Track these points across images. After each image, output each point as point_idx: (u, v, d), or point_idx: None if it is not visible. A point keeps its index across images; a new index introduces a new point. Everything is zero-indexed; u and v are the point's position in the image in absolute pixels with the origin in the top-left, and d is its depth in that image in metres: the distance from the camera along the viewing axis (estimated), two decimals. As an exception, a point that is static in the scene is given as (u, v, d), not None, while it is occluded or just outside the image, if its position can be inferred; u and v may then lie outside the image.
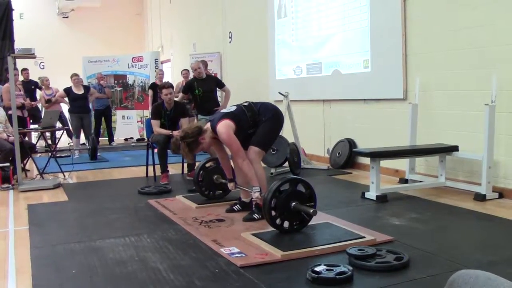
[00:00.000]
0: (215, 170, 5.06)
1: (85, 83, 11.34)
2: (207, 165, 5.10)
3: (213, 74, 9.55)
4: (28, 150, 6.83)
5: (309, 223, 3.89)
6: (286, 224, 3.77)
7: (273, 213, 3.72)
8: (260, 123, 4.33)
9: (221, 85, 7.51)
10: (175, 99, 6.78)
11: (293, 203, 3.72)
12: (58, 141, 9.08)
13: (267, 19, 9.01)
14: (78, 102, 9.24)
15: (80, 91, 9.30)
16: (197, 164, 5.43)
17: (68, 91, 9.32)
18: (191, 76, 9.63)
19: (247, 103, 4.44)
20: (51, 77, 10.87)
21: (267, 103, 4.60)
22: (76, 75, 9.60)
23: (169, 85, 6.57)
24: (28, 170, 7.42)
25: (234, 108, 4.41)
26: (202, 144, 4.25)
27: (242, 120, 4.30)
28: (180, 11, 14.07)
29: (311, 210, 3.67)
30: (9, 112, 6.89)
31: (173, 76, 14.02)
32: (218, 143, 4.46)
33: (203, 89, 7.03)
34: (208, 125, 4.35)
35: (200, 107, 7.25)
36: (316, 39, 7.74)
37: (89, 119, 9.62)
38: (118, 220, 4.53)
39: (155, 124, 6.45)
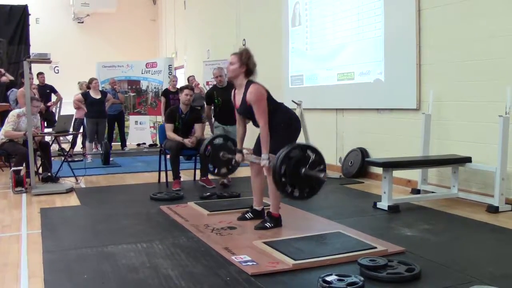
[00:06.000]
0: (223, 146, 4.88)
1: (99, 88, 11.42)
2: (215, 141, 4.92)
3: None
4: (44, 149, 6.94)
5: (320, 233, 3.87)
6: (296, 192, 3.73)
7: (283, 180, 3.66)
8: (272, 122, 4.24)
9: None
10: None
11: (303, 169, 3.67)
12: (76, 145, 9.11)
13: (282, 27, 9.04)
14: (95, 106, 9.26)
15: (97, 96, 9.35)
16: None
17: (85, 95, 9.38)
18: (201, 81, 9.54)
19: None
20: (65, 81, 10.96)
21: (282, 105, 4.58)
22: (95, 79, 9.67)
23: (191, 87, 6.80)
24: (41, 174, 7.47)
25: None
26: (238, 69, 4.35)
27: (270, 98, 4.37)
28: (194, 17, 14.15)
29: (322, 175, 3.61)
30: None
31: (186, 82, 14.07)
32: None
33: (222, 98, 6.70)
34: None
35: (219, 116, 6.83)
36: (330, 48, 7.75)
37: (104, 124, 9.66)
38: (130, 226, 4.55)
39: (168, 128, 6.49)
